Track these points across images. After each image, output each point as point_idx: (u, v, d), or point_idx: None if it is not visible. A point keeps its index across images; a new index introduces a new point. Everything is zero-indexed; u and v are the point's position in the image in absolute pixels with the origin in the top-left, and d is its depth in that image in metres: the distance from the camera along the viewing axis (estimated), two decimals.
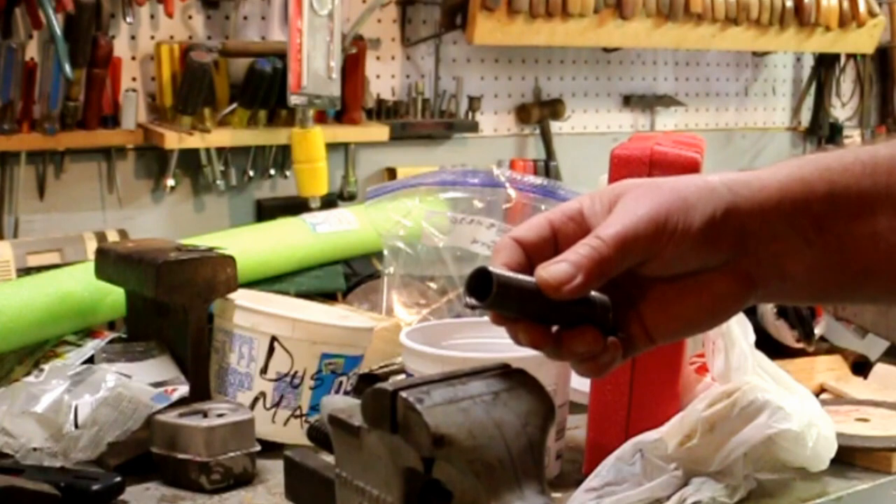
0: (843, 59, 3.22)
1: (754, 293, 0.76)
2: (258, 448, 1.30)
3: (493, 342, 1.36)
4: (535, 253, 0.74)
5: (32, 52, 1.99)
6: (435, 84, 2.52)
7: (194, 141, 2.10)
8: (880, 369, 1.66)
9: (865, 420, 1.43)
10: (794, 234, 0.74)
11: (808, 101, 3.27)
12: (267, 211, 2.27)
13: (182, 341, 1.41)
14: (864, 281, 0.77)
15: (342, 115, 2.30)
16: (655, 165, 1.23)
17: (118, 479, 1.22)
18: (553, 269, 0.72)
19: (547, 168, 2.64)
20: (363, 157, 2.42)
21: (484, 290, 0.70)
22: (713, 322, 0.78)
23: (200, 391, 1.38)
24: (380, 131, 2.35)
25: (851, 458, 1.34)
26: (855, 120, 3.34)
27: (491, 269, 0.70)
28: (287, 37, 2.13)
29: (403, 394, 0.68)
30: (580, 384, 1.37)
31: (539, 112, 2.68)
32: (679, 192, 0.73)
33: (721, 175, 0.76)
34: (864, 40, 3.07)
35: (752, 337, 1.31)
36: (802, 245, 0.74)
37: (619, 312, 0.75)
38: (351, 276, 1.88)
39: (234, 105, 2.16)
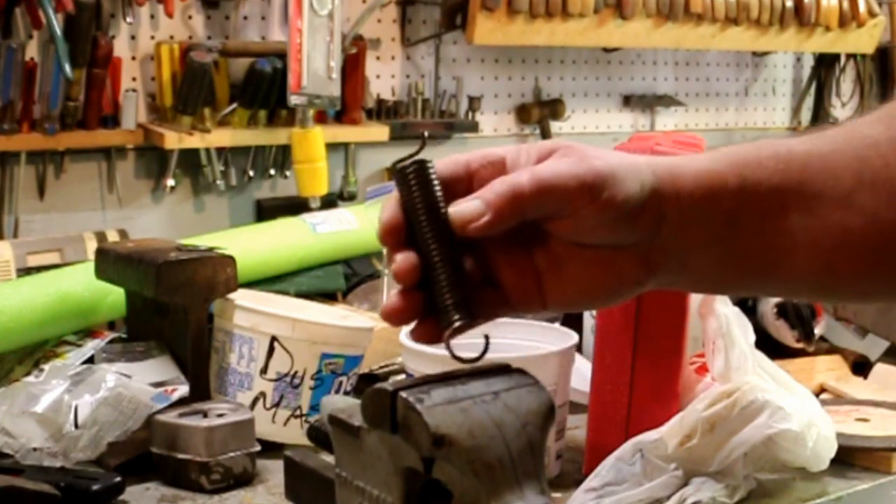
0: (843, 59, 3.22)
1: (653, 279, 0.74)
2: (258, 448, 1.30)
3: (492, 342, 1.36)
4: (445, 190, 0.72)
5: (32, 52, 1.99)
6: (435, 84, 2.52)
7: (194, 141, 2.10)
8: (880, 369, 1.66)
9: (865, 420, 1.43)
10: (706, 227, 0.73)
11: (808, 101, 3.27)
12: (267, 211, 2.26)
13: (182, 341, 1.41)
14: (763, 279, 0.76)
15: (342, 115, 2.30)
16: None
17: (118, 479, 1.22)
18: (464, 206, 0.70)
19: None
20: (363, 157, 2.42)
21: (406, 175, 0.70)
22: (606, 300, 0.76)
23: (200, 391, 1.38)
24: (380, 131, 2.35)
25: (851, 458, 1.34)
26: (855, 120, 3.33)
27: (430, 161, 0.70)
28: (287, 37, 2.13)
29: (403, 393, 0.68)
30: (580, 384, 1.37)
31: (539, 112, 2.68)
32: (609, 163, 0.71)
33: (648, 158, 0.74)
34: (864, 40, 3.07)
35: (752, 337, 1.31)
36: (712, 240, 0.73)
37: (519, 267, 0.73)
38: (351, 276, 1.88)
39: (234, 105, 2.16)
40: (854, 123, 0.76)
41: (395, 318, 0.72)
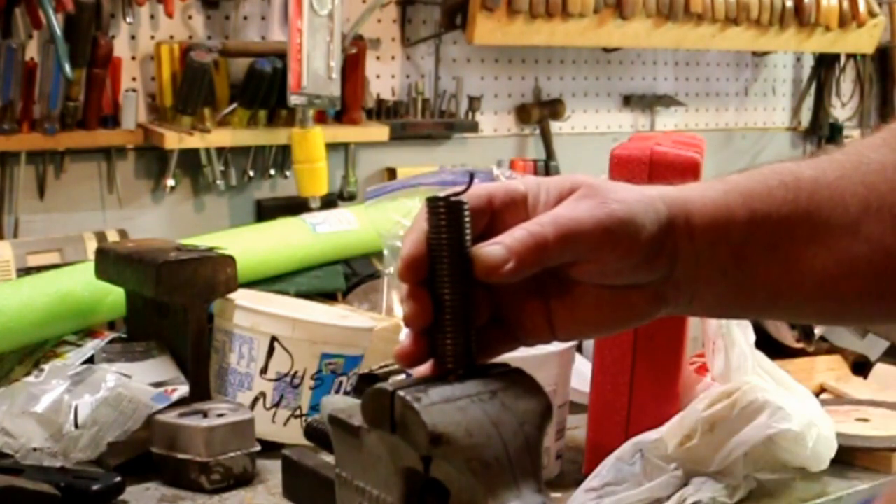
0: (843, 59, 3.22)
1: (663, 310, 0.74)
2: (258, 448, 1.30)
3: None
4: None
5: (32, 52, 1.99)
6: (435, 84, 2.52)
7: (194, 141, 2.10)
8: (880, 369, 1.66)
9: (865, 420, 1.43)
10: (715, 260, 0.73)
11: (808, 101, 3.27)
12: (267, 211, 2.26)
13: (182, 341, 1.41)
14: (771, 306, 0.77)
15: (342, 115, 2.30)
16: (655, 165, 1.23)
17: (118, 479, 1.22)
18: (488, 250, 0.69)
19: (547, 168, 2.64)
20: (363, 157, 2.42)
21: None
22: (614, 331, 0.76)
23: (200, 391, 1.38)
24: (380, 131, 2.35)
25: (851, 458, 1.34)
26: (855, 120, 3.34)
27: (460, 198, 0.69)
28: (287, 37, 2.13)
29: (401, 392, 0.68)
30: (580, 384, 1.37)
31: (539, 112, 2.68)
32: (628, 205, 0.71)
33: (660, 189, 0.74)
34: (864, 40, 3.07)
35: (752, 337, 1.31)
36: (718, 275, 0.73)
37: (530, 305, 0.73)
38: (351, 276, 1.88)
39: (234, 105, 2.16)
40: (860, 146, 0.77)
41: (406, 361, 0.72)
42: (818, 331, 1.67)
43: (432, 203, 0.70)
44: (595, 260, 0.70)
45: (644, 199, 0.72)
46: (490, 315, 0.73)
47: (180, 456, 1.27)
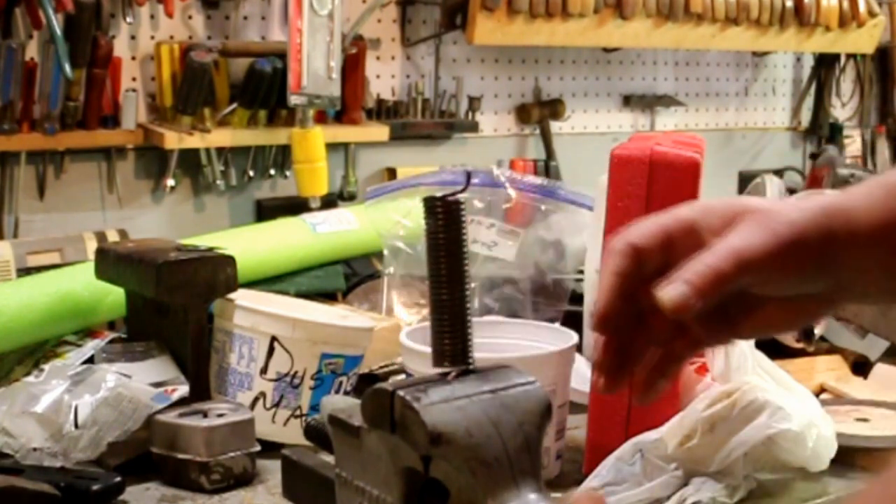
0: (843, 59, 3.22)
1: (833, 309, 0.82)
2: (258, 448, 1.30)
3: (491, 342, 1.36)
4: (647, 259, 0.78)
5: (32, 52, 1.99)
6: (435, 84, 2.52)
7: (194, 141, 2.10)
8: (880, 369, 1.66)
9: (865, 420, 1.43)
10: (879, 265, 0.77)
11: (808, 101, 3.27)
12: (267, 211, 2.27)
13: (182, 341, 1.41)
14: None
15: (342, 115, 2.30)
16: (655, 165, 1.23)
17: (118, 479, 1.22)
18: (672, 291, 0.74)
19: (547, 168, 2.64)
20: (363, 157, 2.42)
21: None
22: (789, 330, 0.91)
23: (200, 391, 1.38)
24: (380, 131, 2.35)
25: (851, 458, 1.34)
26: (855, 120, 3.34)
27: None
28: (287, 37, 2.13)
29: (401, 392, 0.68)
30: (580, 384, 1.37)
31: (539, 112, 2.68)
32: (794, 227, 0.75)
33: (821, 202, 0.78)
34: (864, 40, 3.07)
35: None
36: (884, 276, 0.78)
37: (713, 319, 0.79)
38: (351, 276, 1.88)
39: (234, 105, 2.16)
40: None
41: (604, 391, 0.81)
42: (818, 331, 1.67)
43: (430, 203, 0.71)
44: (767, 280, 0.76)
45: (807, 216, 0.76)
46: (675, 329, 0.80)
47: (180, 456, 1.27)
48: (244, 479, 1.28)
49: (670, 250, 0.78)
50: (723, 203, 0.79)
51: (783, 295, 0.78)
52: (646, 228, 0.79)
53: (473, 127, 2.56)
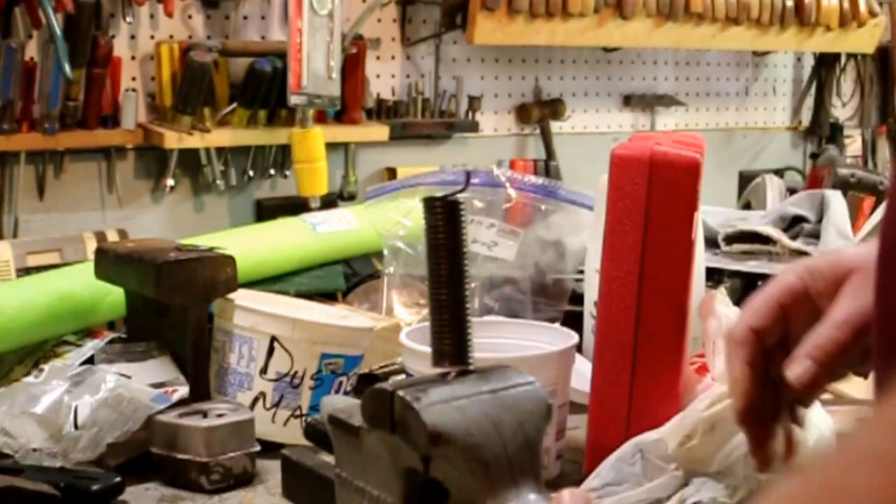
0: (843, 59, 3.22)
1: None
2: (258, 448, 1.30)
3: (492, 342, 1.36)
4: (768, 336, 0.82)
5: (32, 51, 1.99)
6: (435, 84, 2.52)
7: (194, 141, 2.10)
8: None
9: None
10: None
11: (809, 101, 3.27)
12: (267, 211, 2.26)
13: (182, 341, 1.40)
14: None
15: (342, 114, 2.30)
16: (655, 165, 1.23)
17: (118, 479, 1.22)
18: (799, 371, 0.78)
19: (547, 168, 2.64)
20: (363, 157, 2.42)
21: None
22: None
23: (200, 391, 1.38)
24: (380, 131, 2.35)
25: None
26: (855, 120, 3.34)
27: None
28: (287, 37, 2.13)
29: (401, 392, 0.68)
30: (580, 384, 1.37)
31: (539, 112, 2.67)
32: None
33: None
34: (865, 40, 3.07)
35: None
36: None
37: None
38: (351, 276, 1.88)
39: (234, 105, 2.16)
40: None
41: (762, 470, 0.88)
42: None
43: (429, 203, 0.71)
44: None
45: None
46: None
47: (180, 456, 1.26)
48: (244, 479, 1.28)
49: (787, 321, 0.82)
50: (828, 263, 0.82)
51: None
52: (760, 306, 0.83)
53: (473, 127, 2.56)
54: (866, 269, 0.79)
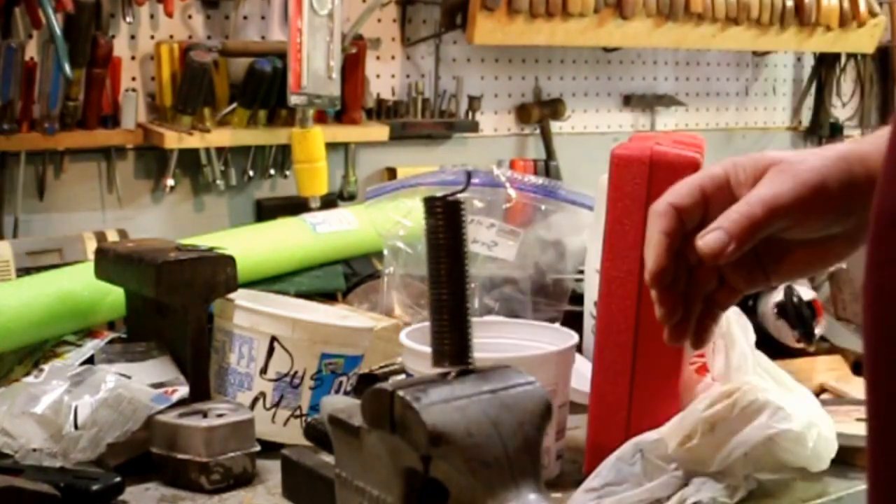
0: (843, 59, 3.21)
1: (855, 250, 0.88)
2: (258, 448, 1.30)
3: (492, 342, 1.36)
4: (687, 216, 0.87)
5: (32, 51, 1.99)
6: (435, 84, 2.52)
7: (194, 141, 2.10)
8: None
9: (865, 420, 1.43)
10: None
11: (809, 101, 3.27)
12: (267, 211, 2.26)
13: (182, 341, 1.40)
14: None
15: (342, 115, 2.30)
16: (655, 165, 1.23)
17: (118, 479, 1.22)
18: (709, 239, 0.83)
19: (547, 168, 2.64)
20: (363, 157, 2.42)
21: None
22: (819, 270, 0.96)
23: (200, 391, 1.38)
24: (380, 131, 2.35)
25: (851, 458, 1.34)
26: (855, 120, 3.33)
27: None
28: (287, 37, 2.13)
29: (401, 392, 0.68)
30: (580, 384, 1.37)
31: (539, 112, 2.67)
32: (818, 173, 0.83)
33: (838, 149, 0.86)
34: (865, 40, 3.07)
35: (752, 337, 1.31)
36: None
37: (748, 266, 0.88)
38: (351, 276, 1.88)
39: (234, 105, 2.16)
40: None
41: (670, 342, 0.91)
42: (818, 331, 1.67)
43: (430, 203, 0.71)
44: (796, 224, 0.84)
45: (828, 163, 0.84)
46: (717, 280, 0.89)
47: (180, 456, 1.27)
48: (244, 479, 1.28)
49: (707, 206, 0.86)
50: (750, 158, 0.87)
51: (810, 237, 0.86)
52: (683, 188, 0.88)
53: (473, 127, 2.56)
54: (786, 161, 0.85)
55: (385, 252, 1.76)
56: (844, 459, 1.32)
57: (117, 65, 2.07)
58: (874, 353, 0.60)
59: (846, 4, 2.95)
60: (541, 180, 1.81)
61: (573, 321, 1.60)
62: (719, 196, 0.86)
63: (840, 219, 0.85)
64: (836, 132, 3.27)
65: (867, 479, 0.61)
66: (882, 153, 0.81)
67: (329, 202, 2.23)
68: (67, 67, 1.92)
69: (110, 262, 1.46)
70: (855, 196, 0.84)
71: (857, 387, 1.62)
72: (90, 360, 1.43)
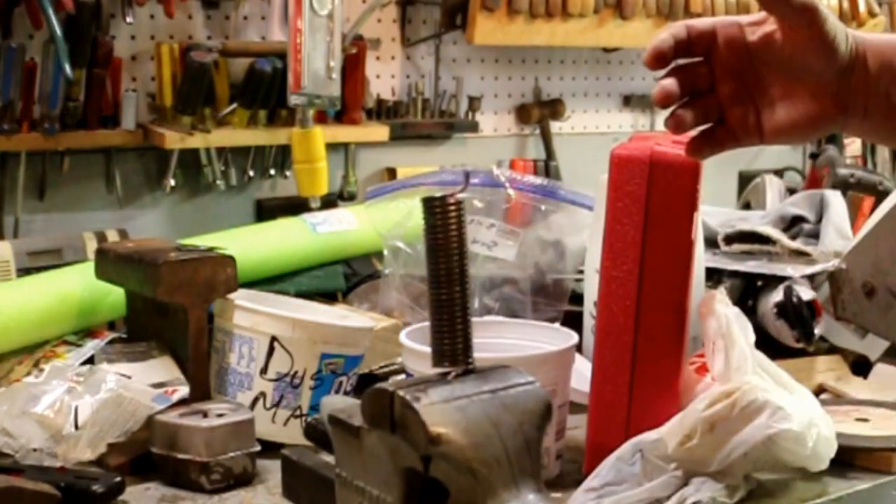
0: None
1: (843, 119, 0.96)
2: (258, 448, 1.30)
3: (492, 342, 1.36)
4: (697, 39, 0.94)
5: (32, 52, 1.99)
6: (435, 84, 2.52)
7: (194, 141, 2.10)
8: (880, 369, 1.66)
9: (865, 420, 1.43)
10: (880, 82, 0.94)
11: None
12: (267, 211, 2.27)
13: (182, 341, 1.41)
14: None
15: (342, 115, 2.30)
16: (655, 165, 1.24)
17: (118, 479, 1.22)
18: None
19: (547, 168, 2.64)
20: (363, 157, 2.42)
21: None
22: (810, 132, 0.98)
23: (200, 391, 1.38)
24: (380, 131, 2.35)
25: (851, 458, 1.34)
26: None
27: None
28: (287, 37, 2.13)
29: (401, 392, 0.68)
30: (580, 384, 1.37)
31: (539, 112, 2.67)
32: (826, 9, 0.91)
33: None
34: None
35: (752, 337, 1.31)
36: (884, 97, 0.95)
37: (744, 107, 0.95)
38: (351, 276, 1.88)
39: (234, 105, 2.16)
40: None
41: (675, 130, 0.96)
42: (818, 331, 1.67)
43: (429, 203, 0.71)
44: (793, 30, 0.91)
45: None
46: (717, 117, 0.96)
47: (180, 456, 1.27)
48: (244, 479, 1.29)
49: (716, 44, 0.94)
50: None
51: (804, 66, 0.92)
52: (705, 20, 0.96)
53: (473, 127, 2.56)
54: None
55: (385, 252, 1.77)
56: (844, 459, 1.32)
57: (117, 65, 2.07)
58: None
59: (846, 4, 2.95)
60: (541, 180, 1.81)
61: (573, 321, 1.60)
62: (731, 44, 0.94)
63: (827, 55, 0.91)
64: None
65: None
66: (878, 39, 0.95)
67: (329, 202, 2.23)
68: (68, 68, 1.92)
69: (110, 263, 1.46)
70: (849, 53, 0.92)
71: (856, 387, 1.62)
72: (90, 360, 1.43)
